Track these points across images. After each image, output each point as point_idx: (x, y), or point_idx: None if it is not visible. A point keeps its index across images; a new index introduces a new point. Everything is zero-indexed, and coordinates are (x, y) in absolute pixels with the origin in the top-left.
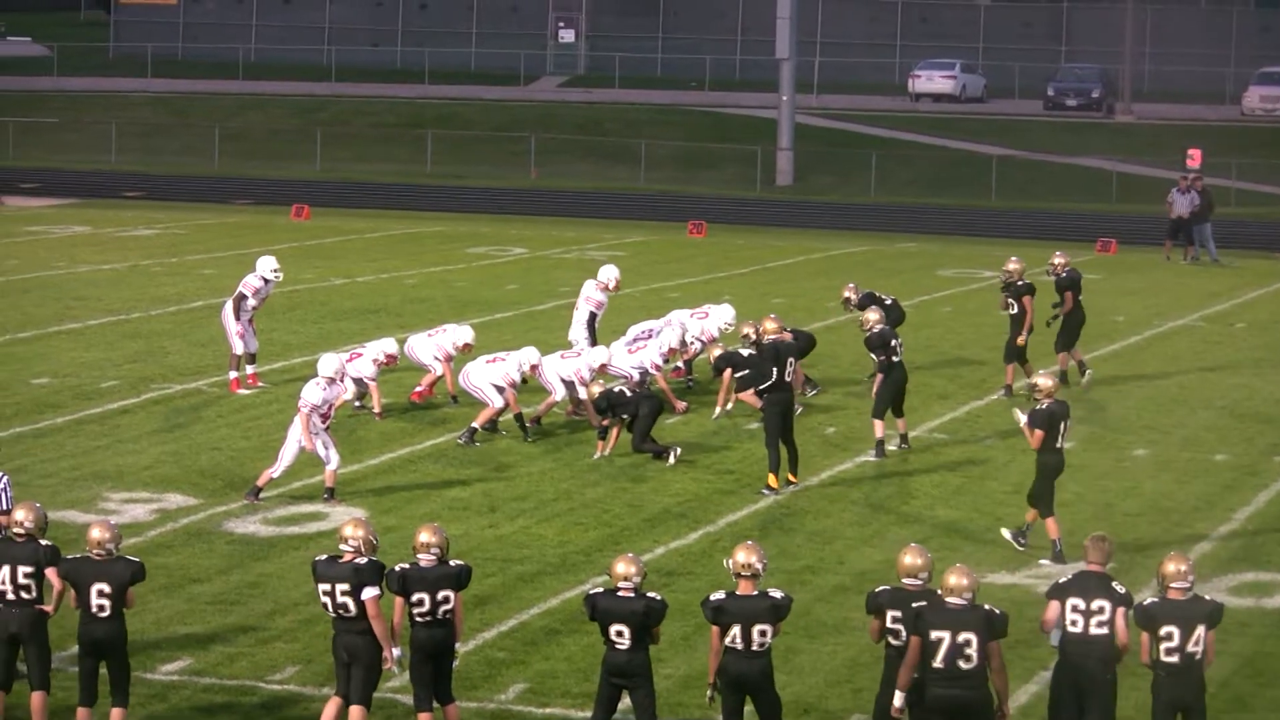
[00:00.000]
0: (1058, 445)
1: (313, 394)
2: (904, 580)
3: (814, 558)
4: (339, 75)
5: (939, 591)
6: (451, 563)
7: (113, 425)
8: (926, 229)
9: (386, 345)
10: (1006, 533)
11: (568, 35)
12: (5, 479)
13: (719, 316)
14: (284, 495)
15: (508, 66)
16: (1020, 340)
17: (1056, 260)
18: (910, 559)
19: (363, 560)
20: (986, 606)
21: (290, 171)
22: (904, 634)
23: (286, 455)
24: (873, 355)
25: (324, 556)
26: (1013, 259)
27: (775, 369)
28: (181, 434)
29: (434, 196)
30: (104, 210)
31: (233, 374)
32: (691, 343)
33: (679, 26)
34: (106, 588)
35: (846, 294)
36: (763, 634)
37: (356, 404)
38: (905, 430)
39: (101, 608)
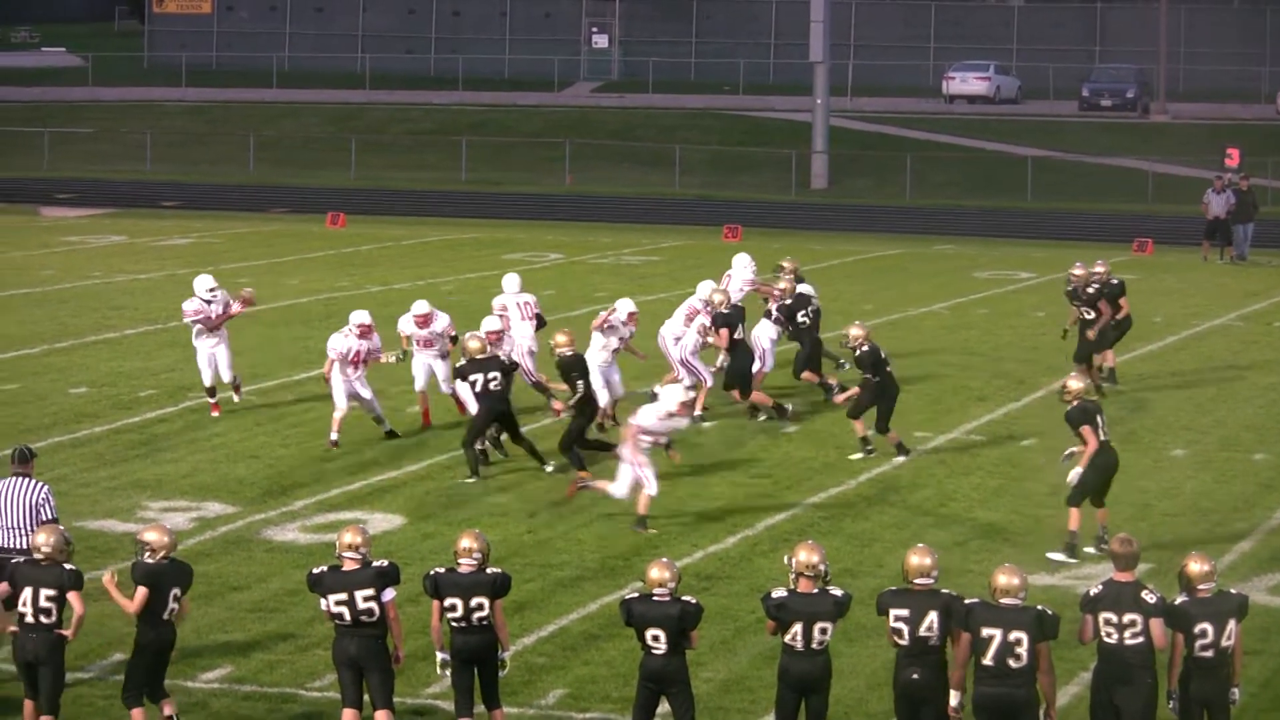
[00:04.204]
0: (1103, 439)
1: (336, 341)
2: (915, 581)
3: (853, 560)
4: (373, 83)
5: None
6: (489, 570)
7: (151, 434)
8: (962, 231)
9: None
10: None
11: (601, 41)
12: (46, 489)
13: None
14: (323, 504)
15: (542, 72)
16: (1091, 334)
17: (1099, 269)
18: (919, 559)
19: (383, 563)
20: (1039, 607)
21: (325, 179)
22: (906, 634)
23: (338, 399)
24: (864, 373)
25: (322, 568)
26: (1077, 264)
27: (580, 380)
28: (219, 442)
29: (469, 203)
30: (140, 220)
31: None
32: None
33: (712, 31)
34: (179, 590)
35: (784, 264)
36: (823, 632)
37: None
38: (899, 439)
39: (173, 611)
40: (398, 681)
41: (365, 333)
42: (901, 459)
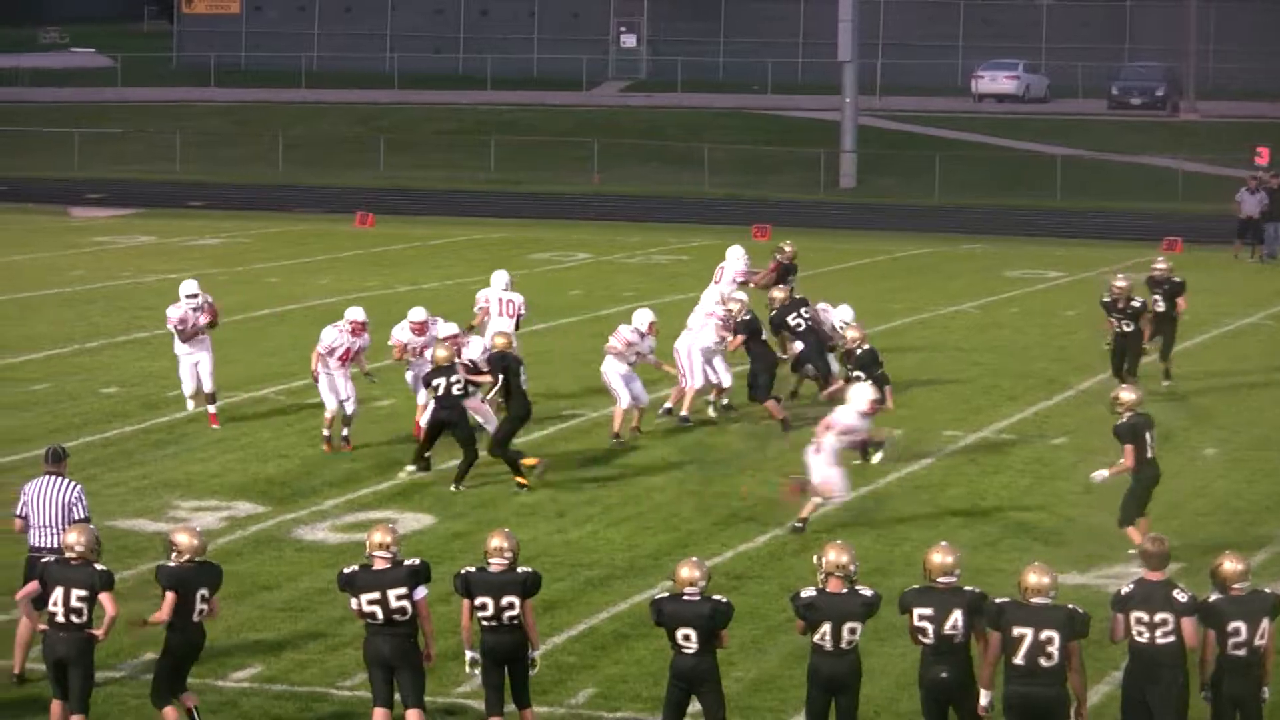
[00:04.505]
0: (1149, 456)
1: (328, 335)
2: (938, 580)
3: (883, 559)
4: (401, 83)
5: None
6: (519, 569)
7: (180, 434)
8: (991, 230)
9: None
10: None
11: (629, 40)
12: (79, 488)
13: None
14: (352, 503)
15: (570, 72)
16: (1147, 346)
17: (1160, 266)
18: (940, 558)
19: (415, 561)
20: (1069, 605)
21: (354, 179)
22: (931, 632)
23: (326, 400)
24: (860, 374)
25: (354, 568)
26: (1119, 276)
27: (503, 379)
28: (249, 442)
29: (497, 203)
30: (169, 220)
31: (191, 405)
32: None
33: (740, 30)
34: (206, 591)
35: (785, 246)
36: (852, 632)
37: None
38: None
39: (202, 612)
40: (428, 680)
41: (358, 330)
42: (879, 457)
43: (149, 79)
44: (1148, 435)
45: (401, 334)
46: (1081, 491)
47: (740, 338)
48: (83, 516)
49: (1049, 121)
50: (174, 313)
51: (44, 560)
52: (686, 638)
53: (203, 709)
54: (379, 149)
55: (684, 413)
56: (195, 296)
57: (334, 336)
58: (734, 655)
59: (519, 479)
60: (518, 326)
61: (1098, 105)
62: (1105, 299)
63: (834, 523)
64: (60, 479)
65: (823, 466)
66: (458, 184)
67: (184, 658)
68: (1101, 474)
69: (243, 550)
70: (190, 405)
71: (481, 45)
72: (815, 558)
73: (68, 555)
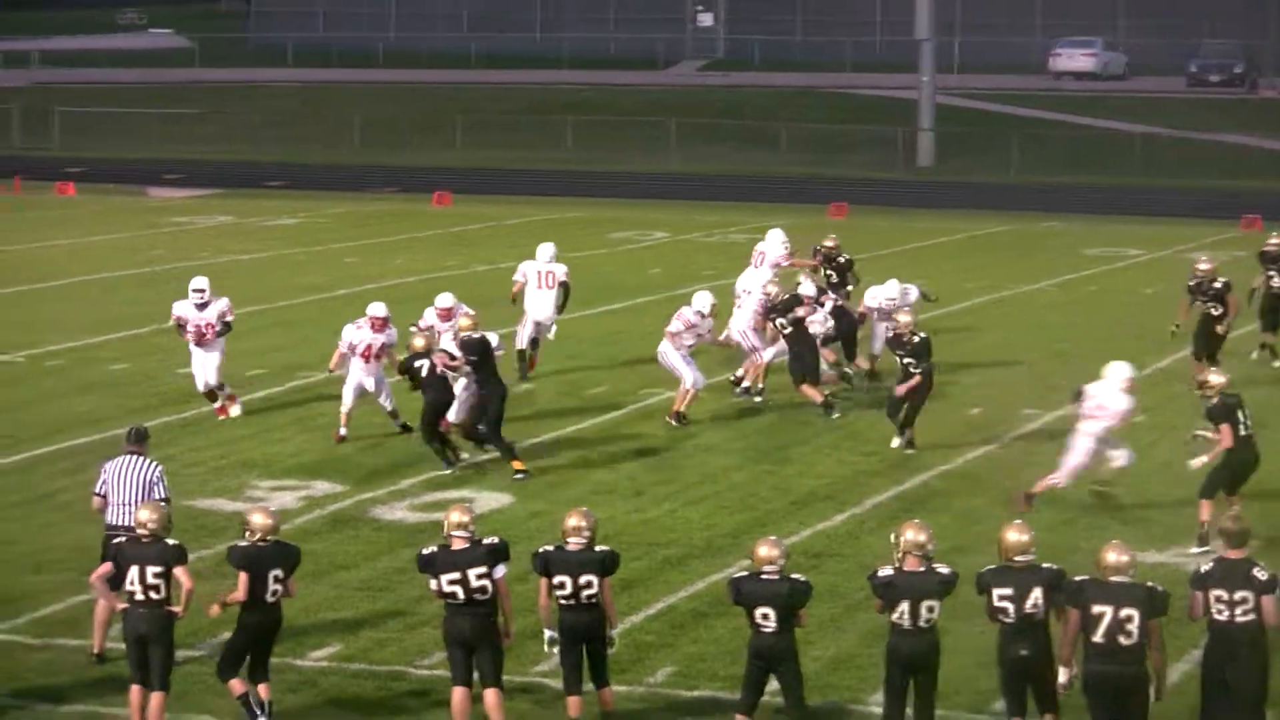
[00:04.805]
0: (1243, 434)
1: (348, 333)
2: (1015, 559)
3: (961, 538)
4: (478, 62)
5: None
6: (597, 548)
7: (258, 413)
8: (1069, 208)
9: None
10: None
11: (706, 19)
12: (160, 468)
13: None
14: (430, 483)
15: (646, 51)
16: (1221, 329)
17: (1273, 241)
18: (1015, 536)
19: (494, 540)
20: (1149, 583)
21: (431, 159)
22: (1011, 611)
23: (345, 395)
24: (910, 360)
25: (433, 548)
26: (1202, 259)
27: (483, 362)
28: (325, 421)
29: (574, 182)
30: (247, 200)
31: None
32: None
33: (817, 8)
34: (280, 572)
35: (827, 242)
36: (930, 610)
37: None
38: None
39: (275, 593)
40: (506, 659)
41: (380, 325)
42: (910, 450)
43: (226, 60)
44: (1240, 413)
45: (429, 318)
46: (1157, 469)
47: (785, 320)
48: (163, 496)
49: (1127, 99)
50: (176, 308)
51: (116, 540)
52: (765, 616)
53: (282, 687)
54: (456, 129)
55: (760, 385)
56: (202, 292)
57: (354, 334)
58: (812, 634)
59: (515, 464)
60: (567, 296)
61: (1176, 83)
62: (1190, 282)
63: (911, 501)
64: (141, 459)
65: (1086, 446)
66: (534, 163)
67: (257, 637)
68: (1200, 460)
69: (320, 530)
70: (210, 402)
71: (557, 25)
72: (892, 536)
73: (139, 533)
